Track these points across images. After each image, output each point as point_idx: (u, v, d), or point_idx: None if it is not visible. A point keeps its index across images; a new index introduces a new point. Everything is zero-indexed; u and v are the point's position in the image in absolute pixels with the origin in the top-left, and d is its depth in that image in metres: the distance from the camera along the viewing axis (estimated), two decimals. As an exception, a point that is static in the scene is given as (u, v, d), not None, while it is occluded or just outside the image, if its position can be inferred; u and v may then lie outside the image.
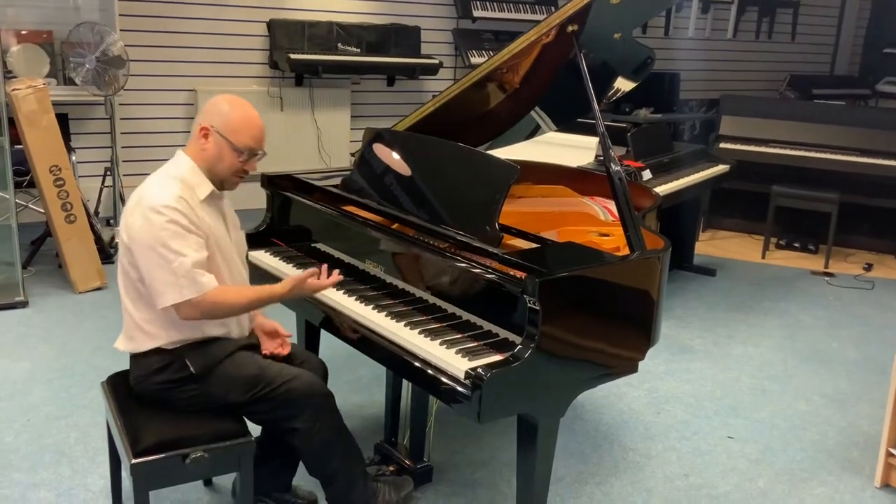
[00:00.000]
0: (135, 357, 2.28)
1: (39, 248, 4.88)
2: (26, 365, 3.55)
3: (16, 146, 4.37)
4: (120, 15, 5.42)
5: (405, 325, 2.24)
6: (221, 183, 2.29)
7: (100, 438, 2.88)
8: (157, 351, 2.23)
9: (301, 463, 2.47)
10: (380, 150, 2.77)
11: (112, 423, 2.33)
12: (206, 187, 2.25)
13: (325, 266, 2.33)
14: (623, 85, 3.19)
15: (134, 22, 5.60)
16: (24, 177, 4.65)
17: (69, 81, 5.15)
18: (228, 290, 2.22)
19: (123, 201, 5.42)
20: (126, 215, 2.19)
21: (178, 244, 2.11)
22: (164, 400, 2.26)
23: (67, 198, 4.41)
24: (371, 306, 2.38)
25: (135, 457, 2.12)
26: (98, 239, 4.69)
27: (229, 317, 2.26)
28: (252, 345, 2.39)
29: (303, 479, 2.61)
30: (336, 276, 2.31)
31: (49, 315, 4.13)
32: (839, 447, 3.24)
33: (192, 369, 2.21)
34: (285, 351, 2.46)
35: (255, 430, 2.32)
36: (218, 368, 2.24)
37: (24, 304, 4.21)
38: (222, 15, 5.98)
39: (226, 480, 2.69)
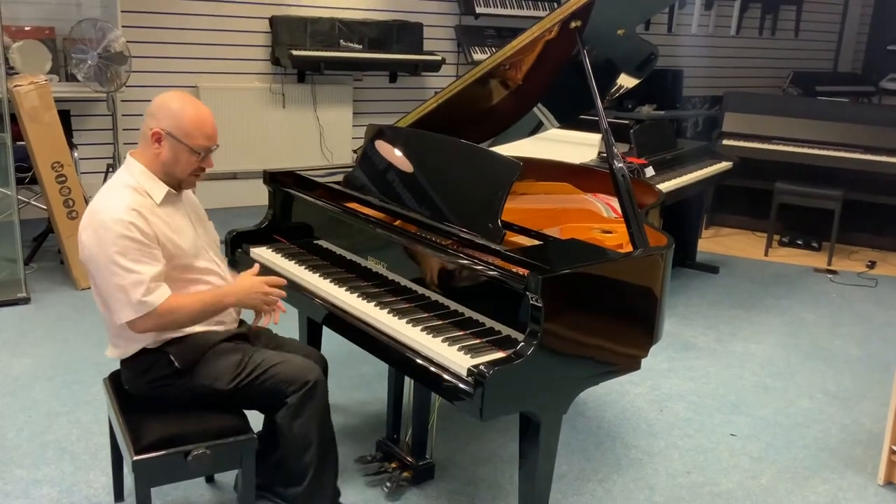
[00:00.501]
0: (123, 361, 2.28)
1: (41, 245, 4.88)
2: (28, 361, 3.55)
3: (18, 142, 4.37)
4: (122, 11, 5.41)
5: (407, 322, 2.24)
6: (180, 184, 2.27)
7: (102, 435, 2.88)
8: (143, 351, 2.23)
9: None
10: (382, 146, 2.76)
11: (114, 420, 2.33)
12: (161, 190, 2.22)
13: (257, 266, 2.38)
14: (626, 81, 3.18)
15: (136, 18, 5.59)
16: (26, 173, 4.64)
17: (71, 78, 5.15)
18: (180, 301, 2.17)
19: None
20: (80, 232, 2.16)
21: (129, 260, 2.08)
22: (158, 398, 2.26)
23: (69, 194, 4.42)
24: (373, 303, 2.37)
25: (136, 453, 2.12)
26: (100, 235, 4.68)
27: (184, 327, 2.22)
28: (241, 335, 2.39)
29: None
30: (256, 269, 2.35)
31: (51, 311, 4.13)
32: (842, 445, 3.23)
33: (176, 364, 2.21)
34: (276, 316, 2.41)
35: (256, 425, 2.32)
36: (202, 360, 2.24)
37: (26, 301, 4.21)
38: (224, 11, 5.97)
39: (228, 477, 2.69)
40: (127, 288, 2.08)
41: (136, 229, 2.09)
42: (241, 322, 2.44)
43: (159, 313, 2.12)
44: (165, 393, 2.25)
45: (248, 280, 2.29)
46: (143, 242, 2.11)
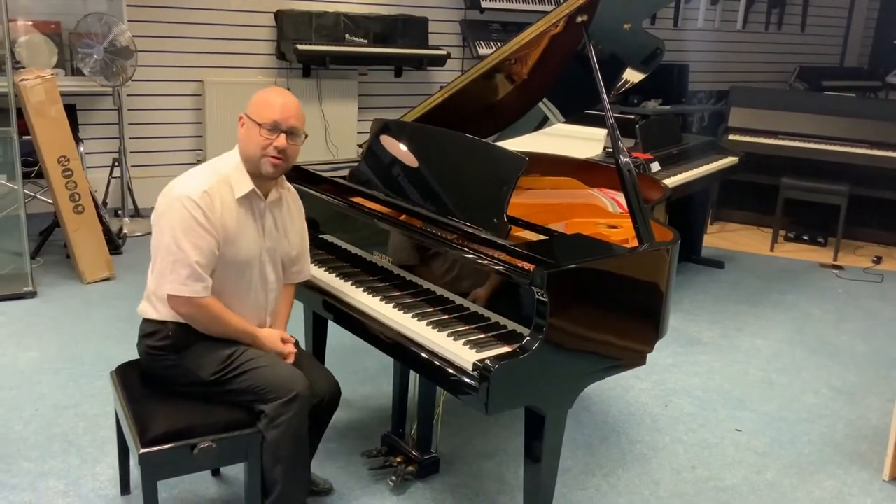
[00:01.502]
0: (144, 319, 2.33)
1: (48, 239, 4.89)
2: (35, 355, 3.57)
3: (24, 137, 4.37)
4: (128, 5, 5.42)
5: (413, 317, 2.24)
6: (258, 168, 2.24)
7: (108, 428, 2.90)
8: (156, 319, 2.27)
9: (314, 451, 2.47)
10: (387, 141, 2.76)
11: (120, 413, 2.34)
12: (246, 185, 2.24)
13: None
14: (632, 76, 3.17)
15: (142, 12, 5.59)
16: (32, 167, 4.65)
17: (77, 72, 5.15)
18: (220, 310, 2.23)
19: (131, 192, 5.43)
20: (161, 194, 2.24)
21: (186, 240, 2.14)
22: (151, 367, 2.31)
23: (75, 188, 4.42)
24: (379, 297, 2.37)
25: (143, 446, 2.13)
26: (106, 230, 4.69)
27: (207, 331, 2.25)
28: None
29: (318, 469, 2.61)
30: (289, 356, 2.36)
31: (57, 305, 4.14)
32: (847, 440, 3.23)
33: (171, 339, 2.24)
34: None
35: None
36: (196, 346, 2.25)
37: (32, 295, 4.22)
38: (230, 5, 5.97)
39: (233, 471, 2.70)
40: (174, 263, 2.15)
41: (203, 213, 2.15)
42: None
43: (197, 304, 2.18)
44: (157, 363, 2.28)
45: (277, 343, 2.34)
46: (205, 227, 2.16)
